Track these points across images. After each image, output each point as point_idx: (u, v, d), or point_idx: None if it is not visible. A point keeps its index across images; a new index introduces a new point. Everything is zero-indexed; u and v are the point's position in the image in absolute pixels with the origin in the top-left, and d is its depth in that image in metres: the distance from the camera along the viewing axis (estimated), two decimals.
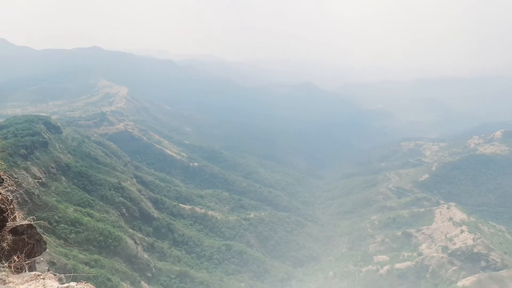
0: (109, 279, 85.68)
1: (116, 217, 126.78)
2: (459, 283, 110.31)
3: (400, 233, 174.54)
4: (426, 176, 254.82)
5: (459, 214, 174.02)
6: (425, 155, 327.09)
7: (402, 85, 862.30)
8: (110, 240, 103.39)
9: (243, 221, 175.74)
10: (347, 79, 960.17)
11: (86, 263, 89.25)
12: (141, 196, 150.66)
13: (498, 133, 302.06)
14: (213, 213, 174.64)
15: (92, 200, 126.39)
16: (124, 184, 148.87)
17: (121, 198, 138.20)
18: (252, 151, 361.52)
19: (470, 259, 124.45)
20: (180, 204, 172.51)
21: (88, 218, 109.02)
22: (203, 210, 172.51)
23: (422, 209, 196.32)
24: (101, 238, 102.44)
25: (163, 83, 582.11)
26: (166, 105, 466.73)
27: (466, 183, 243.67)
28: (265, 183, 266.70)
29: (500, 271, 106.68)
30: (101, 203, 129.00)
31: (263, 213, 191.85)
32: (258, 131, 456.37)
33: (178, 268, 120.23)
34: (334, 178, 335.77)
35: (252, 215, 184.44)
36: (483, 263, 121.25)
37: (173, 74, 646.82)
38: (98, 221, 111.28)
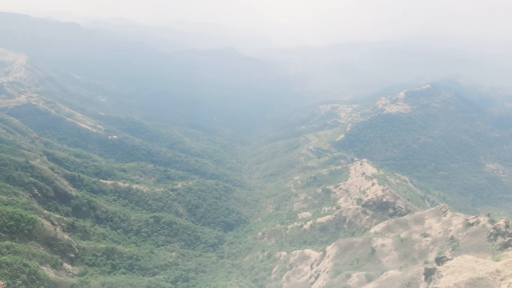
0: (26, 265, 78.45)
1: (28, 198, 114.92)
2: (372, 230, 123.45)
3: (320, 190, 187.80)
4: (342, 136, 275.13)
5: (370, 169, 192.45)
6: (341, 117, 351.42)
7: (318, 50, 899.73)
8: (23, 224, 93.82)
9: (170, 192, 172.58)
10: (267, 44, 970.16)
11: None
12: (55, 175, 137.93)
13: (401, 94, 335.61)
14: (138, 186, 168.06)
15: None
16: (32, 162, 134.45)
17: (31, 178, 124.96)
18: (175, 120, 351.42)
19: (380, 208, 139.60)
20: (101, 180, 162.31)
21: None
22: (126, 184, 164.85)
23: (339, 167, 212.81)
24: (12, 222, 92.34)
25: (68, 49, 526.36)
26: (74, 74, 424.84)
27: (375, 141, 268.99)
28: (191, 152, 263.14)
29: (404, 216, 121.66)
30: (8, 185, 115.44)
31: (190, 183, 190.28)
32: (179, 99, 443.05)
33: (104, 246, 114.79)
34: (259, 143, 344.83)
35: (179, 185, 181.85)
36: (391, 211, 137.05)
37: (80, 38, 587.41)
38: (6, 204, 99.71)
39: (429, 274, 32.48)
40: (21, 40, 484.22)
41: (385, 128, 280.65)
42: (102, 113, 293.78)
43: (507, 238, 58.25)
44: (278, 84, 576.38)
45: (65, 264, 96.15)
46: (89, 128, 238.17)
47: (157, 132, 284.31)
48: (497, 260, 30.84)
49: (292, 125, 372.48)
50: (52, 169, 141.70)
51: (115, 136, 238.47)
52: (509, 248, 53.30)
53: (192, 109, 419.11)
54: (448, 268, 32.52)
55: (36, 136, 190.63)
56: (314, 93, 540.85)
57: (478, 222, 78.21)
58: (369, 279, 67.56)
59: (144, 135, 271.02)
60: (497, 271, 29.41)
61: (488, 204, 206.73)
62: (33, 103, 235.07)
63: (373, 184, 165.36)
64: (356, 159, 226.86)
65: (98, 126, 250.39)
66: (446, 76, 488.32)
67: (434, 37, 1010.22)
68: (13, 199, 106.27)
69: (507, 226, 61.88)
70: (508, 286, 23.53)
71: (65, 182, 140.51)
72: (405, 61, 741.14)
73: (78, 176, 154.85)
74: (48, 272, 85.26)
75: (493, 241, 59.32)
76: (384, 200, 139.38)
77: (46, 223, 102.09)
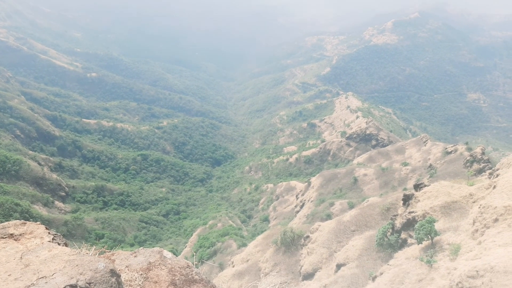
0: (17, 204, 79.77)
1: (10, 140, 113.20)
2: (355, 161, 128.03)
3: (306, 124, 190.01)
4: (328, 69, 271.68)
5: (355, 102, 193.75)
6: (327, 49, 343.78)
7: None
8: (9, 165, 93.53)
9: (156, 130, 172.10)
10: None
11: None
12: (35, 115, 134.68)
13: (389, 24, 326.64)
14: (122, 125, 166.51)
15: None
16: (10, 103, 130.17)
17: (11, 119, 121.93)
18: (156, 56, 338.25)
19: (364, 140, 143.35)
20: (84, 120, 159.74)
21: None
22: (110, 123, 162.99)
23: (325, 101, 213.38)
24: None
25: None
26: (43, 6, 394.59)
27: (361, 73, 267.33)
28: (174, 89, 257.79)
29: (387, 147, 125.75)
30: None
31: (176, 120, 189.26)
32: (159, 33, 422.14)
33: (93, 183, 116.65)
34: (244, 78, 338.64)
35: (165, 123, 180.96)
36: (373, 142, 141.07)
37: None
38: None
39: (407, 199, 34.30)
40: None
41: (371, 60, 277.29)
42: (78, 49, 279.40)
43: (482, 165, 61.35)
44: (262, 16, 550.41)
45: (56, 202, 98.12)
46: (66, 65, 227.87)
47: (138, 69, 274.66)
48: (471, 185, 32.60)
49: (277, 59, 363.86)
50: (32, 109, 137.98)
51: (94, 74, 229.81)
52: (483, 173, 56.32)
53: (172, 44, 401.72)
54: (425, 193, 34.24)
55: (11, 75, 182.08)
56: (300, 23, 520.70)
57: (456, 150, 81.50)
58: (351, 206, 71.58)
59: (124, 72, 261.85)
60: (470, 194, 31.07)
61: (467, 133, 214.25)
62: (3, 39, 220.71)
63: (357, 117, 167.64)
64: (341, 92, 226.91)
65: (75, 63, 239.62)
66: (434, 4, 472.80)
67: None
68: None
69: (483, 154, 64.76)
70: (479, 207, 25.07)
71: (47, 122, 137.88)
72: None
73: (60, 116, 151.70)
74: (40, 210, 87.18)
75: (469, 168, 62.47)
76: (368, 132, 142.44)
77: (33, 164, 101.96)
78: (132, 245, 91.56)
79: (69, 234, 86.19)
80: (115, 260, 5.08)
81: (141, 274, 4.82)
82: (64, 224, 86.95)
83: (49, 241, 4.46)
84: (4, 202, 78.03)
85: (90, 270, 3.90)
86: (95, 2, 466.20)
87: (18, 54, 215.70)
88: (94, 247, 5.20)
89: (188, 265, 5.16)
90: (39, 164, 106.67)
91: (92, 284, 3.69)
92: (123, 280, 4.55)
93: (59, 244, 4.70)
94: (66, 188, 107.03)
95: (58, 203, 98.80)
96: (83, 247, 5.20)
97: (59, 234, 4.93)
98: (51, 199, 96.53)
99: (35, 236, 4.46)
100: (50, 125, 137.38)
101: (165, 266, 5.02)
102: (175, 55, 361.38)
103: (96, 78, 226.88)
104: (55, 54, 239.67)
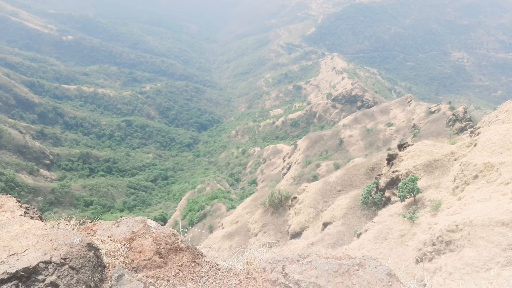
0: (1, 174, 78.58)
1: None
2: (340, 123, 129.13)
3: (291, 87, 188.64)
4: (313, 29, 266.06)
5: (341, 63, 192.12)
6: (312, 8, 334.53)
7: None
8: None
9: (139, 95, 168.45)
10: None
11: None
12: (12, 81, 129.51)
13: None
14: (104, 90, 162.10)
15: None
16: None
17: None
18: (134, 17, 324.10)
19: (349, 102, 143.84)
20: (63, 85, 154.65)
21: None
22: (92, 89, 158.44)
23: (310, 62, 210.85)
24: None
25: None
26: None
27: (347, 33, 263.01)
28: (155, 52, 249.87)
29: (372, 108, 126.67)
30: None
31: (159, 84, 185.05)
32: None
33: (78, 151, 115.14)
34: (227, 40, 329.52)
35: (148, 88, 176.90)
36: (359, 103, 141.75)
37: None
38: None
39: (391, 159, 34.95)
40: None
41: (357, 19, 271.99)
42: (51, 11, 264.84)
43: (464, 123, 62.60)
44: None
45: (41, 171, 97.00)
46: (39, 28, 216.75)
47: (116, 31, 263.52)
48: (453, 143, 33.25)
49: (261, 19, 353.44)
50: (8, 76, 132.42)
51: (70, 37, 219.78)
52: (465, 132, 57.58)
53: (152, 4, 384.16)
54: (408, 153, 34.84)
55: None
56: None
57: (439, 110, 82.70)
58: (337, 167, 73.02)
59: (102, 34, 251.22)
60: (452, 152, 31.74)
61: (451, 93, 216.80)
62: None
63: (343, 79, 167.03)
64: (327, 53, 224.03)
65: (49, 26, 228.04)
66: None
67: None
68: None
69: (465, 112, 65.88)
70: (460, 165, 25.69)
71: (25, 89, 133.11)
72: None
73: (38, 82, 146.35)
74: (25, 178, 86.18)
75: (451, 127, 63.72)
76: (353, 93, 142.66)
77: (13, 132, 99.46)
78: (121, 210, 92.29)
79: (57, 201, 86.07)
80: (96, 231, 4.90)
81: (124, 244, 4.65)
82: (51, 192, 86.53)
83: (21, 215, 4.20)
84: None
85: (65, 245, 3.71)
86: None
87: None
88: (74, 218, 4.98)
89: (173, 233, 5.02)
90: (20, 132, 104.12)
91: (67, 259, 3.50)
92: (105, 251, 4.40)
93: (32, 217, 4.45)
94: (50, 156, 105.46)
95: (44, 171, 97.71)
96: (63, 218, 4.98)
97: (32, 207, 4.68)
98: (36, 167, 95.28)
99: (5, 210, 4.20)
100: (28, 92, 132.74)
101: (149, 235, 4.85)
102: (154, 16, 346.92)
103: (73, 41, 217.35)
104: (27, 16, 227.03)
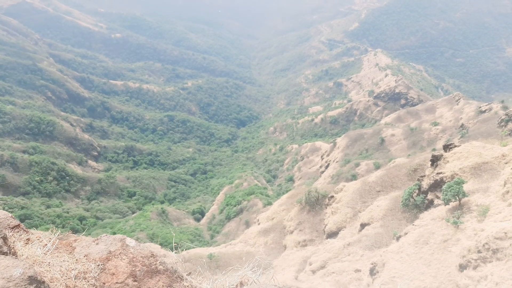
0: (53, 163, 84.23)
1: (43, 101, 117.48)
2: (382, 121, 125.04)
3: (332, 83, 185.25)
4: (356, 24, 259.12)
5: (384, 59, 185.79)
6: (355, 2, 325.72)
7: None
8: (43, 126, 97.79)
9: (181, 91, 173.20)
10: None
11: (24, 151, 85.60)
12: (65, 77, 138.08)
13: None
14: (148, 86, 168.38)
15: (9, 86, 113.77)
16: (40, 65, 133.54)
17: (42, 81, 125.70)
18: (178, 15, 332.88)
19: (392, 99, 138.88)
20: (111, 81, 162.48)
21: (11, 106, 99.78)
22: (137, 85, 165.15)
23: (352, 58, 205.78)
24: (33, 125, 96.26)
25: None
26: None
27: (391, 28, 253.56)
28: (197, 49, 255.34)
29: (416, 106, 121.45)
30: (21, 89, 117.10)
31: (200, 81, 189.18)
32: None
33: (123, 144, 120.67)
34: (268, 36, 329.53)
35: (189, 84, 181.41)
36: (403, 101, 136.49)
37: None
38: (24, 108, 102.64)
39: (435, 160, 33.48)
40: None
41: (402, 14, 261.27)
42: (102, 10, 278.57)
43: None
44: None
45: (90, 161, 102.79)
46: (91, 26, 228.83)
47: (161, 28, 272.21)
48: (505, 145, 31.25)
49: (302, 15, 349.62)
50: (61, 71, 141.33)
51: (118, 35, 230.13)
52: None
53: (194, 2, 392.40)
54: (454, 154, 33.22)
55: (39, 37, 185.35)
56: None
57: (490, 109, 77.84)
58: (377, 167, 71.00)
59: (148, 32, 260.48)
60: (503, 155, 29.92)
61: (504, 91, 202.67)
62: (29, 1, 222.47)
63: (386, 75, 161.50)
64: (370, 49, 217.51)
65: (100, 24, 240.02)
66: None
67: None
68: (29, 103, 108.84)
69: None
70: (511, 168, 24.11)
71: (76, 84, 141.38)
72: None
73: (88, 77, 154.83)
74: (75, 169, 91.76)
75: (503, 128, 59.75)
76: (397, 91, 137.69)
77: (65, 124, 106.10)
78: (162, 202, 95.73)
79: (103, 191, 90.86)
80: (75, 248, 4.61)
81: (98, 265, 4.31)
82: (98, 182, 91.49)
83: None
84: (42, 161, 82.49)
85: (2, 278, 3.34)
86: None
87: (44, 15, 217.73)
88: (59, 231, 4.88)
89: (152, 254, 4.64)
90: (71, 125, 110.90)
91: None
92: (77, 273, 4.10)
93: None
94: (98, 148, 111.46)
95: (92, 162, 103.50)
96: (51, 230, 4.88)
97: (22, 227, 4.47)
98: (85, 158, 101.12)
99: None
100: (79, 87, 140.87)
101: (126, 255, 4.50)
102: (197, 14, 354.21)
103: (121, 39, 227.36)
104: (79, 15, 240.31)
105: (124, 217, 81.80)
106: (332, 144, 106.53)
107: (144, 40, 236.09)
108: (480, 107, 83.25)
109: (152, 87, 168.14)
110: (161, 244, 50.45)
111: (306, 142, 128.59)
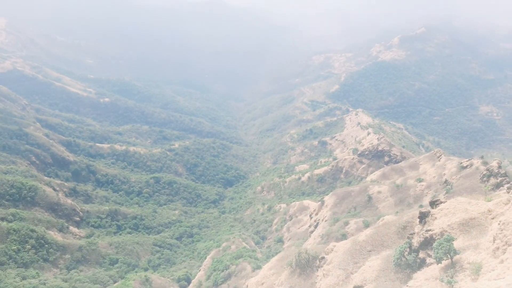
0: (33, 231, 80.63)
1: (26, 166, 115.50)
2: (368, 178, 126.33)
3: (316, 142, 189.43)
4: (337, 87, 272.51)
5: (365, 119, 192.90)
6: (334, 67, 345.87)
7: None
8: (25, 191, 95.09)
9: (168, 153, 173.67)
10: None
11: (3, 219, 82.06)
12: (50, 141, 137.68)
13: (395, 40, 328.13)
14: (135, 148, 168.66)
15: None
16: (26, 130, 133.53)
17: (27, 146, 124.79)
18: (167, 80, 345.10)
19: (376, 157, 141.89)
20: (97, 144, 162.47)
21: None
22: (123, 147, 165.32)
23: (335, 118, 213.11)
24: (14, 190, 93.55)
25: (49, 9, 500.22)
26: (58, 35, 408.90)
27: (370, 89, 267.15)
28: (185, 111, 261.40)
29: (400, 163, 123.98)
30: (5, 154, 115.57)
31: (187, 142, 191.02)
32: (169, 57, 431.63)
33: (107, 208, 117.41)
34: (253, 98, 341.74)
35: (176, 145, 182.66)
36: (386, 158, 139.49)
37: None
38: (6, 173, 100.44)
39: (423, 217, 33.55)
40: None
41: (379, 76, 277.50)
42: (91, 76, 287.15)
43: (499, 179, 59.84)
44: (269, 35, 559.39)
45: (71, 228, 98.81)
46: (79, 92, 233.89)
47: (149, 92, 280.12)
48: (489, 200, 31.75)
49: (286, 78, 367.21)
50: (47, 136, 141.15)
51: (107, 99, 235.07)
52: (501, 188, 54.88)
53: (182, 67, 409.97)
54: (441, 210, 33.44)
55: (27, 102, 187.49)
56: (307, 42, 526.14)
57: (471, 165, 79.88)
58: (366, 225, 70.21)
59: (136, 96, 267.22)
60: (489, 210, 30.31)
61: (482, 147, 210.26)
62: (19, 68, 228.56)
63: (368, 134, 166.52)
64: (351, 109, 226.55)
65: (89, 89, 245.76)
66: (440, 18, 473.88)
67: None
68: (11, 168, 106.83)
69: (499, 167, 63.26)
70: (499, 224, 24.40)
71: (62, 148, 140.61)
72: (398, 1, 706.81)
73: (74, 141, 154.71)
74: (55, 236, 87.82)
75: (486, 182, 60.95)
76: (380, 148, 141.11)
77: (48, 189, 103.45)
78: (146, 269, 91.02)
79: (83, 259, 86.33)
80: None
81: None
82: (78, 249, 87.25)
83: None
84: (20, 229, 78.98)
85: None
86: (106, 30, 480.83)
87: (34, 82, 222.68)
88: None
89: None
90: (54, 189, 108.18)
91: None
92: None
93: None
94: (80, 213, 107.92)
95: (73, 229, 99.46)
96: None
97: None
98: (66, 224, 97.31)
99: None
100: (65, 151, 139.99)
101: None
102: (185, 78, 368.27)
103: (109, 103, 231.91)
104: (69, 81, 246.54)
105: (105, 287, 76.90)
106: (320, 202, 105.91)
107: (133, 103, 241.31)
108: (461, 163, 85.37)
109: (139, 149, 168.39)
110: None
111: (294, 201, 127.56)
